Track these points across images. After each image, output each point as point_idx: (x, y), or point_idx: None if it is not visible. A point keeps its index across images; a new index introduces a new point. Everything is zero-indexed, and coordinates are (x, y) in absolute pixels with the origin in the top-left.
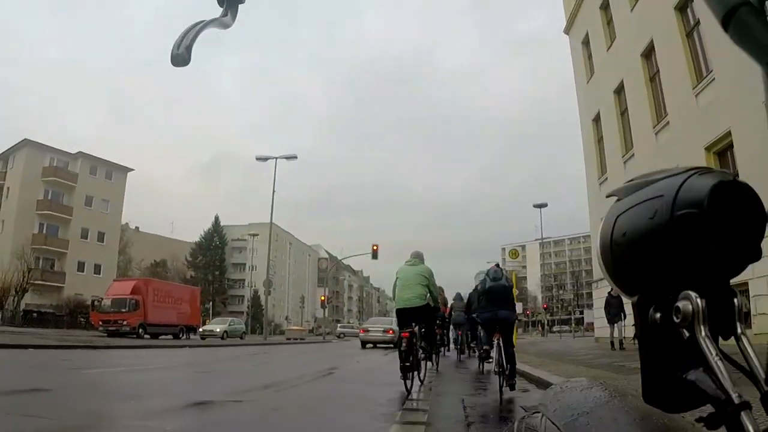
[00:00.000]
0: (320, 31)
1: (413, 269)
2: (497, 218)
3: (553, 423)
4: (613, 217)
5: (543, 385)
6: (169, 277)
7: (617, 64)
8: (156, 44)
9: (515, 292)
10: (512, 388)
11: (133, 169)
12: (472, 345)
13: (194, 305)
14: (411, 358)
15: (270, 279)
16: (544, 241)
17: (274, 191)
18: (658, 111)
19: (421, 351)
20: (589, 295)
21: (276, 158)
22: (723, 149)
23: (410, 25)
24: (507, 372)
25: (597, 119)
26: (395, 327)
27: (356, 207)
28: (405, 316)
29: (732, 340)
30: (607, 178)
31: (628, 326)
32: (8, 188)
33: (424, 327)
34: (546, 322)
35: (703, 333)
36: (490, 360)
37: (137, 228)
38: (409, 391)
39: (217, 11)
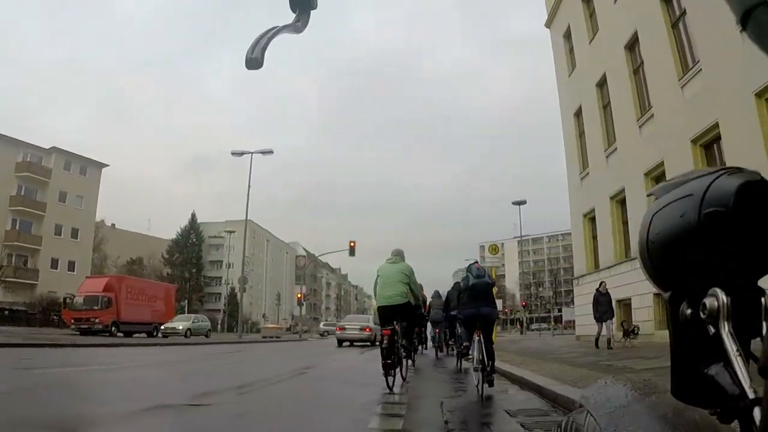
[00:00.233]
0: (309, 29)
1: (394, 267)
2: (475, 218)
3: (592, 415)
4: (650, 215)
5: (526, 385)
6: (145, 274)
7: (600, 56)
8: (144, 43)
9: (494, 289)
10: (491, 384)
11: (108, 165)
12: (450, 342)
13: (169, 303)
14: (393, 356)
15: (245, 276)
16: (522, 239)
17: (249, 186)
18: (642, 104)
19: (402, 348)
20: (568, 293)
21: (252, 153)
22: (710, 141)
23: (401, 25)
24: (488, 368)
25: (578, 113)
26: (372, 325)
27: (337, 206)
28: (386, 313)
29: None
30: (588, 173)
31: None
32: None
33: (405, 324)
34: (525, 319)
35: (726, 329)
36: (470, 357)
37: (113, 225)
38: (391, 388)
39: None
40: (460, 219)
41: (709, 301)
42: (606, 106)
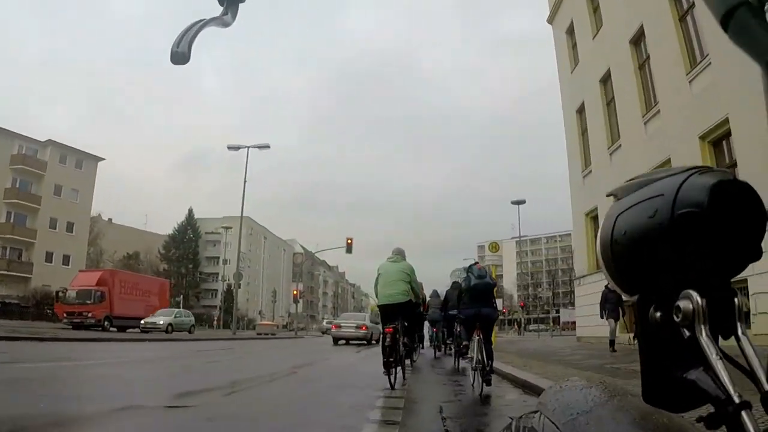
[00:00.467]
0: (303, 29)
1: (395, 266)
2: (473, 218)
3: (552, 422)
4: (613, 216)
5: (530, 389)
6: (142, 269)
7: (604, 52)
8: (137, 40)
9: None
10: (488, 383)
11: (104, 159)
12: (448, 342)
13: (163, 298)
14: (395, 354)
15: (240, 272)
16: (521, 239)
17: (245, 181)
18: (648, 99)
19: (403, 347)
20: (566, 294)
21: (248, 147)
22: (719, 138)
23: (399, 24)
24: (488, 368)
25: (581, 110)
26: (368, 323)
27: (335, 205)
28: (388, 312)
29: (732, 340)
30: (591, 171)
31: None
32: None
33: (406, 323)
34: (522, 320)
35: (703, 333)
36: (469, 357)
37: (110, 220)
38: (392, 386)
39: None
40: (457, 219)
41: (683, 304)
42: (610, 103)
